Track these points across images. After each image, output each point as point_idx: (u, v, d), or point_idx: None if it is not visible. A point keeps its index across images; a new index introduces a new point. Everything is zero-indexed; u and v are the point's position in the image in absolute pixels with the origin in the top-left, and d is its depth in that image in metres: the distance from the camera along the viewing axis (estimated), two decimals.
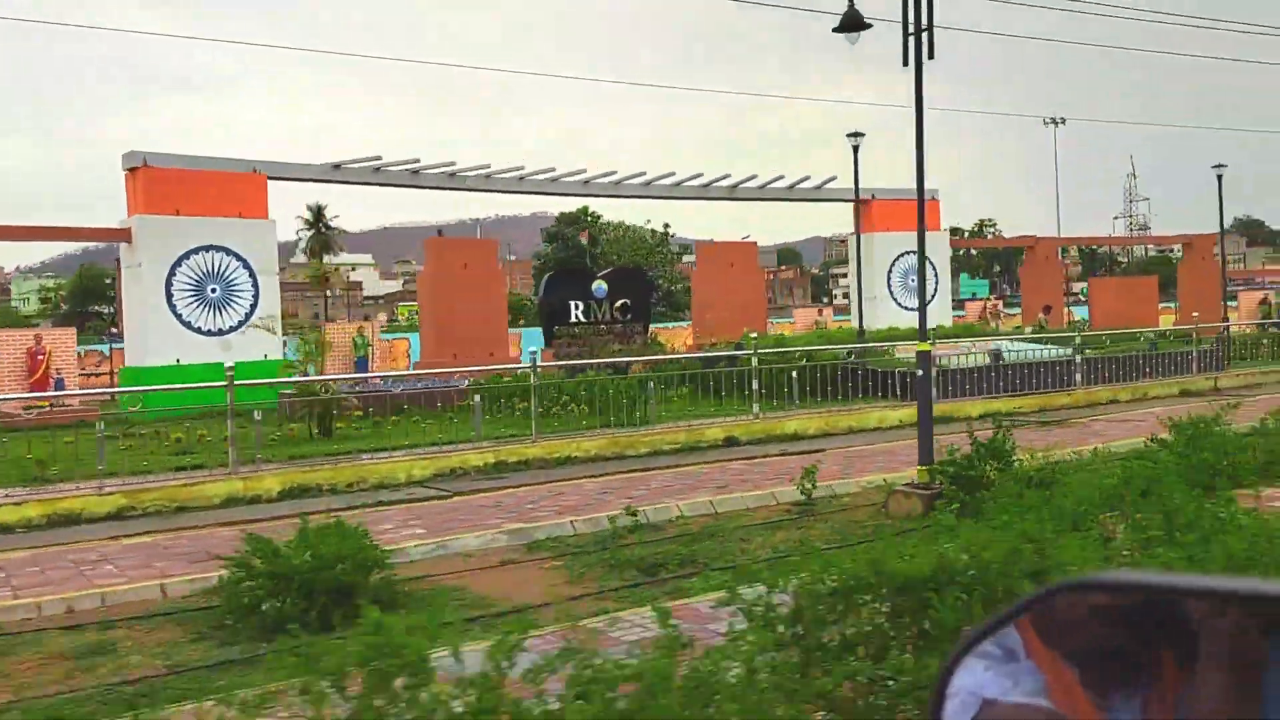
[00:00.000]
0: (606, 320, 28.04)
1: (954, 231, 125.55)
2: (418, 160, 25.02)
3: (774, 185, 30.33)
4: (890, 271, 32.16)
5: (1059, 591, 1.22)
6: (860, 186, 33.14)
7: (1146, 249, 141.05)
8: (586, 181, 29.71)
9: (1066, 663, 1.17)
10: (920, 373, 9.27)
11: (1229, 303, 38.91)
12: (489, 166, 27.63)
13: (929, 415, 9.25)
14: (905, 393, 15.19)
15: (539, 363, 14.80)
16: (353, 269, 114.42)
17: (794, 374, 15.68)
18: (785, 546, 7.71)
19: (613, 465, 12.65)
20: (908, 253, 32.44)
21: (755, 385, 15.02)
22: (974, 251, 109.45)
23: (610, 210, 48.59)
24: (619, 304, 28.44)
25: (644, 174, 29.02)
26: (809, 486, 9.48)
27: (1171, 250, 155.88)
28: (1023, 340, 19.48)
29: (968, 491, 7.64)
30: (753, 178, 29.47)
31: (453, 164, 26.84)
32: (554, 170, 28.94)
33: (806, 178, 30.37)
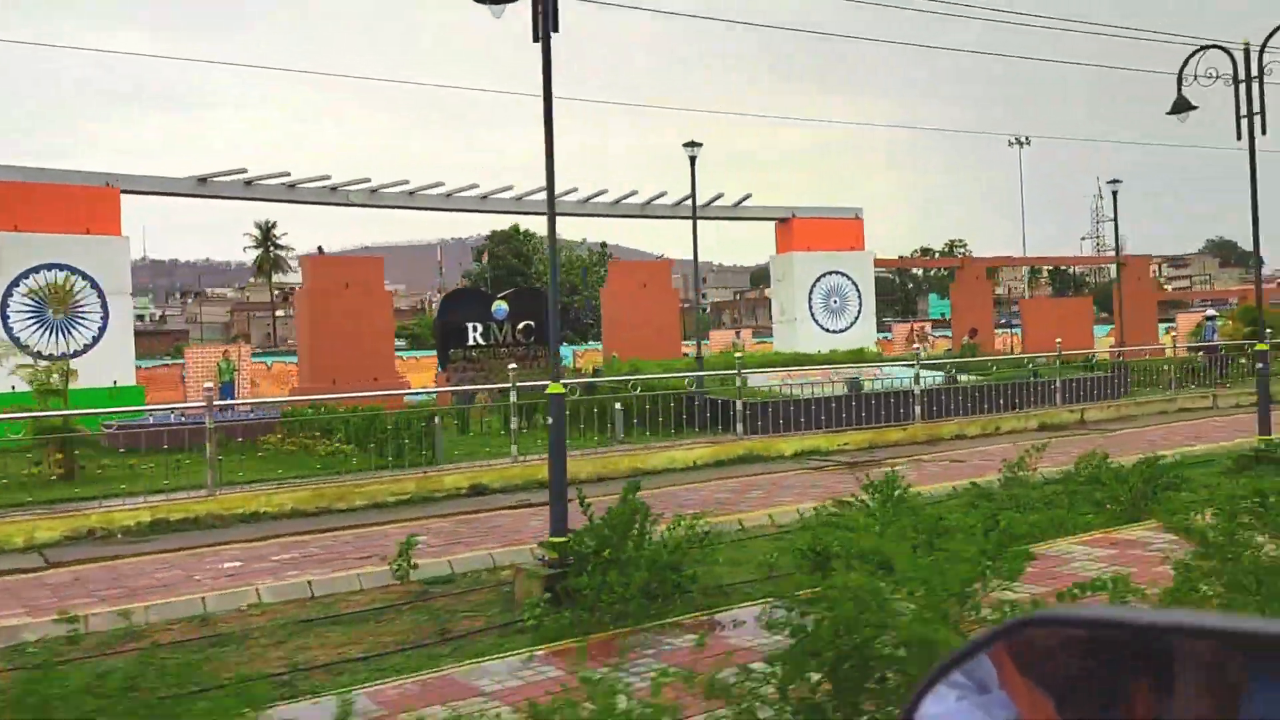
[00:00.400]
0: (508, 342, 27.00)
1: (924, 252, 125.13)
2: (371, 179, 24.01)
3: (686, 203, 29.33)
4: (811, 292, 31.16)
5: (1028, 625, 1.23)
6: (781, 205, 32.42)
7: (1120, 268, 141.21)
8: (520, 198, 28.73)
9: (1041, 693, 1.19)
10: (552, 419, 7.14)
11: (1168, 324, 38.16)
12: (408, 183, 26.64)
13: (562, 470, 7.31)
14: (745, 426, 13.91)
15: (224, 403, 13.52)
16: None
17: (618, 407, 14.16)
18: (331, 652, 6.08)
19: (307, 523, 10.49)
20: (830, 273, 31.54)
21: (514, 423, 12.94)
22: (944, 271, 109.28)
23: (566, 228, 47.53)
24: (522, 325, 27.41)
25: (575, 189, 27.96)
26: (404, 565, 7.51)
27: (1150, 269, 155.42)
28: (905, 366, 18.42)
29: (600, 572, 5.81)
30: (661, 194, 28.49)
31: (368, 180, 25.88)
32: (477, 187, 27.96)
33: (720, 195, 29.41)
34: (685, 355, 29.24)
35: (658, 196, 28.60)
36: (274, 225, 66.54)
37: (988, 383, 16.24)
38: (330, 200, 24.56)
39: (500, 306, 26.86)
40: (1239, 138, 11.96)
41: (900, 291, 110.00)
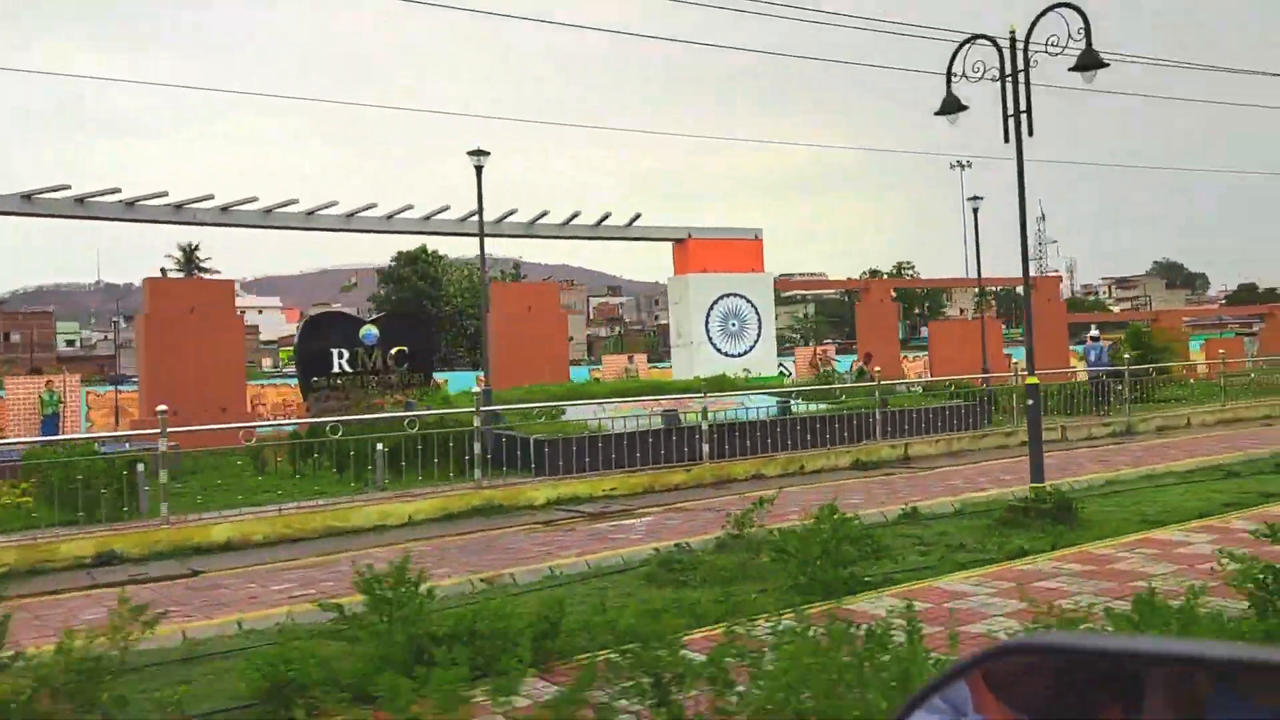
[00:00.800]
0: (379, 369, 25.68)
1: (873, 274, 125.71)
2: (308, 200, 22.54)
3: (575, 223, 28.30)
4: (709, 315, 30.11)
5: (1002, 653, 1.28)
6: (678, 224, 31.44)
7: (1074, 288, 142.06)
8: (428, 218, 27.56)
9: (1015, 718, 1.23)
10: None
11: (1077, 348, 37.57)
12: (297, 201, 25.39)
13: None
14: (484, 470, 12.16)
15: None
16: (259, 312, 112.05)
17: (380, 447, 12.23)
18: None
19: None
20: (728, 295, 30.54)
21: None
22: (893, 293, 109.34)
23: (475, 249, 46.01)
24: (394, 351, 26.11)
25: (447, 208, 26.78)
26: None
27: (1097, 292, 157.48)
28: (768, 395, 17.31)
29: None
30: (543, 214, 27.38)
31: (254, 199, 24.66)
32: (375, 206, 26.69)
33: (608, 214, 28.36)
34: (570, 381, 28.07)
35: (540, 216, 27.51)
36: (196, 247, 64.65)
37: (820, 414, 14.98)
38: (176, 219, 23.18)
39: (369, 331, 25.56)
40: (1006, 140, 10.50)
41: (852, 314, 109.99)
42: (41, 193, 20.83)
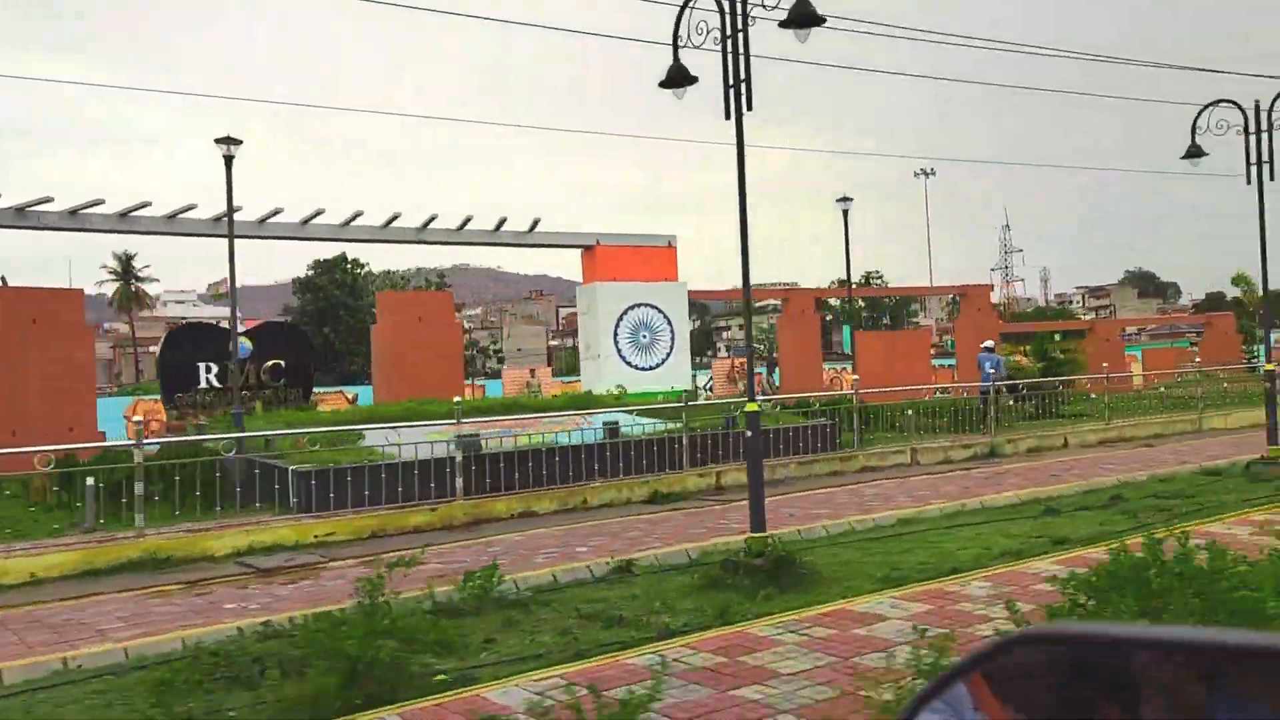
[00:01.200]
0: (251, 384, 24.14)
1: (841, 284, 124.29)
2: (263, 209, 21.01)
3: (470, 229, 26.88)
4: (617, 326, 28.67)
5: (1011, 646, 1.25)
6: (587, 231, 30.06)
7: (1048, 297, 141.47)
8: (346, 224, 26.16)
9: (1018, 717, 1.23)
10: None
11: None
12: (196, 207, 24.02)
13: None
14: (145, 515, 10.33)
15: None
16: (217, 323, 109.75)
17: (89, 481, 10.50)
18: None
19: None
20: (639, 305, 29.13)
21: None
22: (860, 303, 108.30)
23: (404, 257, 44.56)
24: (269, 365, 24.59)
25: (280, 210, 25.29)
26: None
27: (1071, 301, 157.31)
28: (622, 413, 15.81)
29: None
30: (433, 218, 25.92)
31: (147, 203, 23.38)
32: (281, 211, 25.24)
33: (504, 220, 26.93)
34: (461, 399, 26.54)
35: (430, 221, 26.05)
36: (133, 257, 62.80)
37: (629, 439, 13.42)
38: (68, 225, 21.76)
39: (242, 344, 24.02)
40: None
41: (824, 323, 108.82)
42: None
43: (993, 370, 18.83)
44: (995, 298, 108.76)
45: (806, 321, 31.63)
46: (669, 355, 29.20)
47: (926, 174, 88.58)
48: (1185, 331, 55.72)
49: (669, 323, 29.38)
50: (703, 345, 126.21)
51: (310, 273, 41.14)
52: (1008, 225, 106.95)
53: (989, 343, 20.33)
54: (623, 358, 28.75)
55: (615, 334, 28.80)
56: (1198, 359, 32.94)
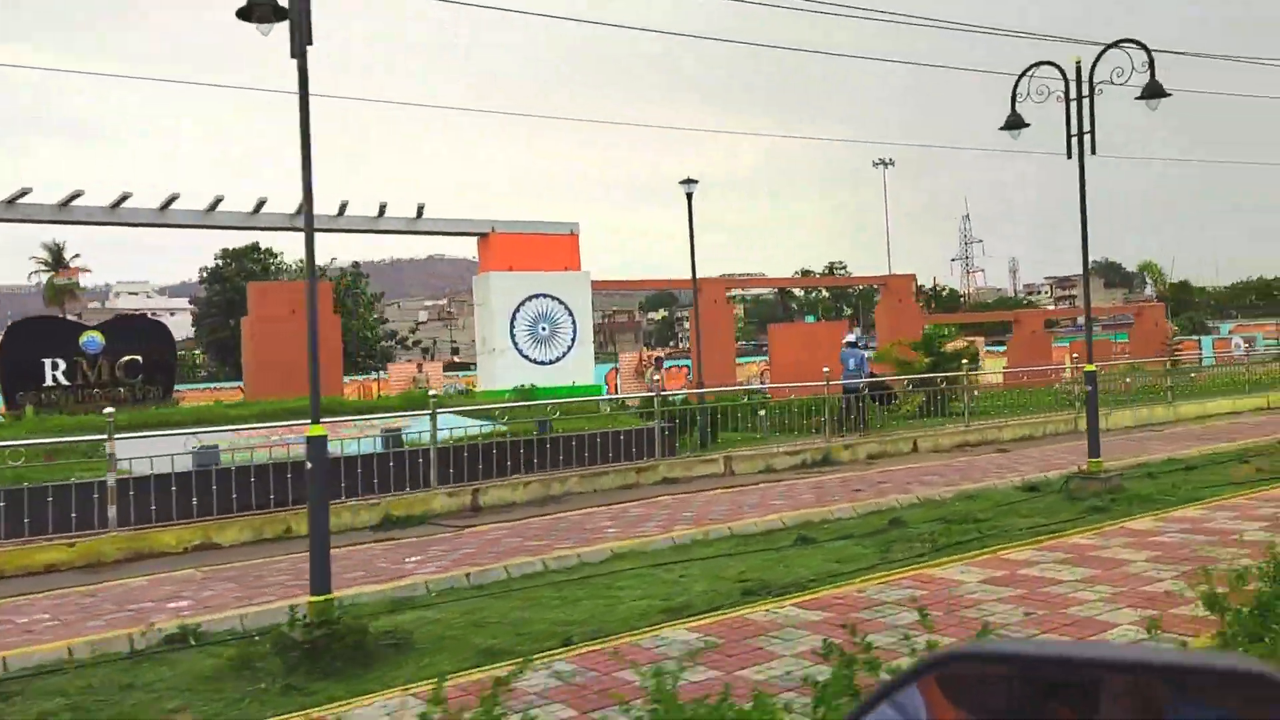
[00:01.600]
0: (102, 382, 22.56)
1: (804, 274, 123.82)
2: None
3: (351, 214, 25.33)
4: (514, 318, 27.20)
5: (951, 660, 1.26)
6: (481, 218, 28.58)
7: (1016, 288, 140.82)
8: (255, 211, 24.54)
9: None
10: None
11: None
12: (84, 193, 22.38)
13: None
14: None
15: None
16: (171, 314, 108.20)
17: None
18: None
19: None
20: (538, 296, 27.67)
21: None
22: (824, 292, 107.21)
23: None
24: (124, 361, 23.00)
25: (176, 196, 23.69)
26: None
27: (1039, 291, 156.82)
28: (420, 416, 14.27)
29: None
30: (345, 205, 24.36)
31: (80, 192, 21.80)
32: (178, 197, 23.62)
33: (385, 205, 25.40)
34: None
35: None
36: (63, 246, 60.73)
37: (364, 454, 11.83)
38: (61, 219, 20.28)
39: (92, 338, 22.43)
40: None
41: (784, 313, 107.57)
42: None
43: (856, 367, 17.36)
44: (961, 288, 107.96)
45: (720, 313, 30.23)
46: (570, 349, 27.77)
47: (885, 164, 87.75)
48: (1127, 323, 54.63)
49: (570, 314, 27.93)
50: (665, 337, 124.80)
51: (219, 263, 39.21)
52: (968, 216, 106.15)
53: (851, 335, 18.74)
54: (520, 351, 27.30)
55: (512, 326, 27.33)
56: (1125, 352, 31.87)
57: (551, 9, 22.50)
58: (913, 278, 31.83)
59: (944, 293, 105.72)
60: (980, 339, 35.04)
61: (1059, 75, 11.53)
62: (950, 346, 23.24)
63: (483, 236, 27.73)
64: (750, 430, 15.89)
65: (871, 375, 18.82)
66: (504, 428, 13.71)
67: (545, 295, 27.64)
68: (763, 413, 15.49)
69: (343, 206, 24.74)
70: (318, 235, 7.66)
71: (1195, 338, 47.96)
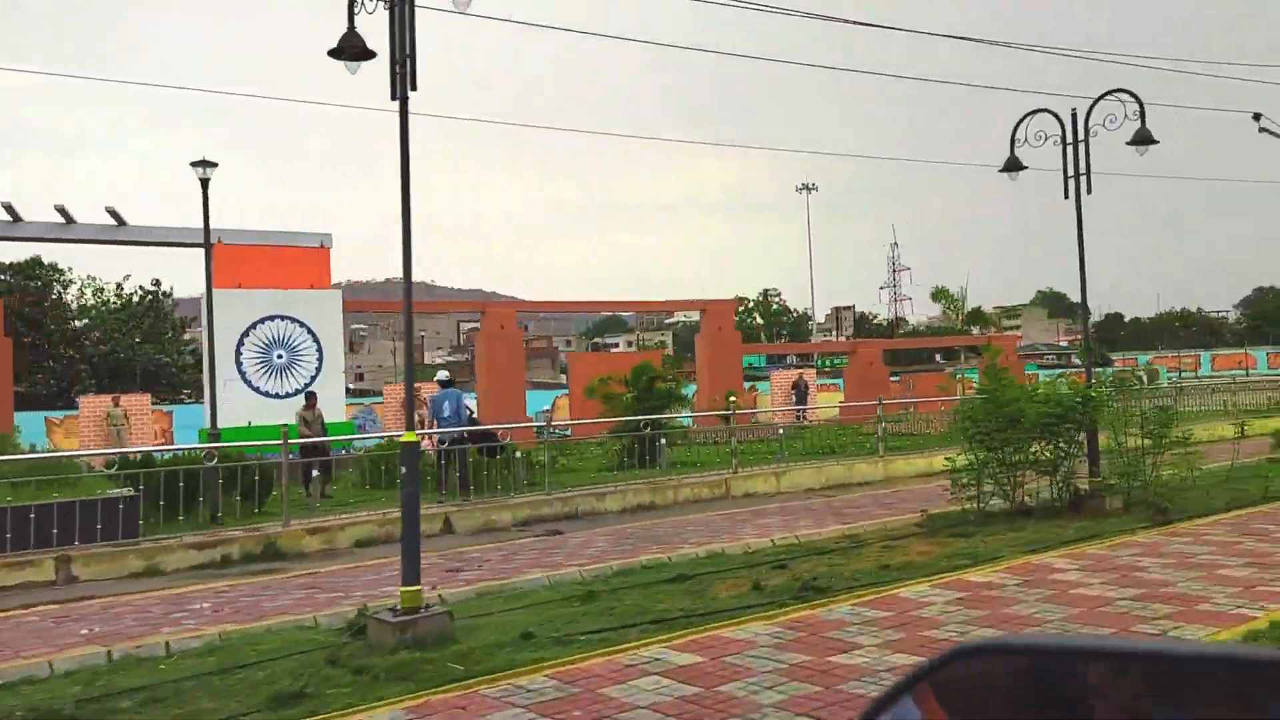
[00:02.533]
0: None
1: (740, 300, 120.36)
2: None
3: (34, 220, 21.50)
4: (241, 343, 23.35)
5: (957, 657, 1.24)
6: (201, 227, 24.77)
7: (962, 318, 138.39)
8: None
9: None
10: None
11: (757, 386, 31.62)
12: None
13: None
14: None
15: None
16: None
17: None
18: None
19: None
20: (274, 318, 23.84)
21: None
22: (759, 319, 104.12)
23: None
24: None
25: None
26: None
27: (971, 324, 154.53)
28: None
29: None
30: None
31: None
32: None
33: (63, 207, 21.54)
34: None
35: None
36: None
37: None
38: None
39: None
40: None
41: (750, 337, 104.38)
42: None
43: (453, 414, 13.46)
44: (884, 315, 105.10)
45: (507, 340, 26.49)
46: (314, 378, 23.90)
47: (809, 189, 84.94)
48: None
49: (315, 339, 24.13)
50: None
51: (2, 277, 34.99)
52: (895, 243, 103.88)
53: (443, 374, 14.82)
54: (248, 382, 23.40)
55: (238, 353, 23.45)
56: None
57: None
58: (735, 303, 28.33)
59: (875, 319, 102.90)
60: (811, 371, 31.63)
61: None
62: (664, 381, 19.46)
63: (208, 249, 23.92)
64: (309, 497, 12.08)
65: (473, 422, 15.16)
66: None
67: (282, 317, 23.83)
68: (384, 468, 11.76)
69: (11, 210, 20.84)
70: None
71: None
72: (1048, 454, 10.71)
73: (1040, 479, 10.93)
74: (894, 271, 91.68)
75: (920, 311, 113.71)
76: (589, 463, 17.50)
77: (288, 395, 23.60)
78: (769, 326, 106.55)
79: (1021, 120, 12.86)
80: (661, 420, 16.52)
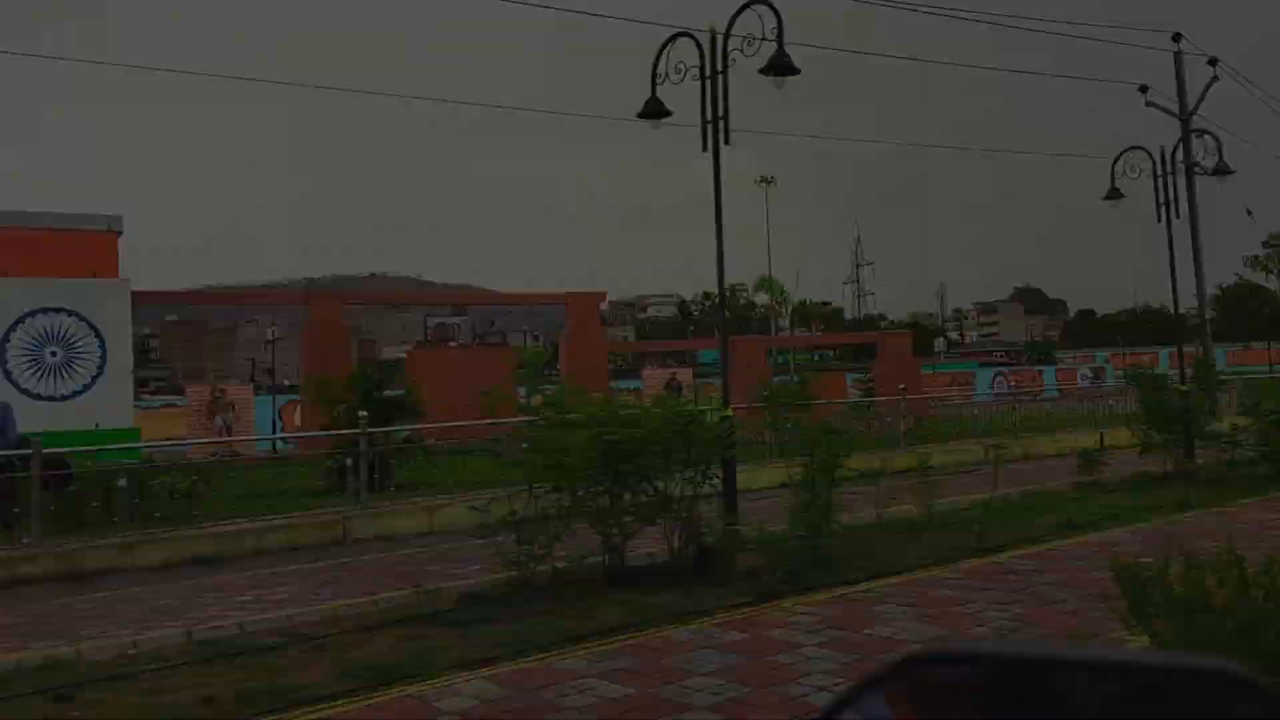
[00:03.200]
0: None
1: (706, 295, 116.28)
2: None
3: None
4: (5, 340, 20.33)
5: (912, 663, 1.24)
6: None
7: (944, 314, 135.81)
8: None
9: None
10: None
11: (634, 384, 28.77)
12: None
13: None
14: None
15: None
16: None
17: None
18: None
19: None
20: (46, 310, 20.83)
21: None
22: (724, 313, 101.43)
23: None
24: None
25: None
26: None
27: (968, 316, 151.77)
28: None
29: None
30: None
31: None
32: None
33: None
34: None
35: None
36: None
37: None
38: None
39: None
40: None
41: (683, 335, 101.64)
42: None
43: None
44: (849, 312, 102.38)
45: (331, 333, 23.41)
46: (96, 379, 20.89)
47: (767, 181, 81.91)
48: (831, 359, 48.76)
49: (97, 335, 21.07)
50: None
51: None
52: (859, 238, 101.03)
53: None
54: (15, 384, 20.35)
55: (3, 351, 20.42)
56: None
57: None
58: (600, 296, 25.41)
59: (838, 311, 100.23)
60: (688, 370, 28.83)
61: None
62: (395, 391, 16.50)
63: None
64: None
65: (23, 444, 12.30)
66: None
67: (55, 309, 20.81)
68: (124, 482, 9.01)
69: None
70: None
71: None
72: (646, 496, 7.73)
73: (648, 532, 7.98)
74: (857, 266, 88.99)
75: (903, 307, 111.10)
76: (292, 485, 14.42)
77: (64, 397, 20.65)
78: (733, 320, 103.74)
79: (662, 49, 10.38)
80: (391, 432, 13.62)
